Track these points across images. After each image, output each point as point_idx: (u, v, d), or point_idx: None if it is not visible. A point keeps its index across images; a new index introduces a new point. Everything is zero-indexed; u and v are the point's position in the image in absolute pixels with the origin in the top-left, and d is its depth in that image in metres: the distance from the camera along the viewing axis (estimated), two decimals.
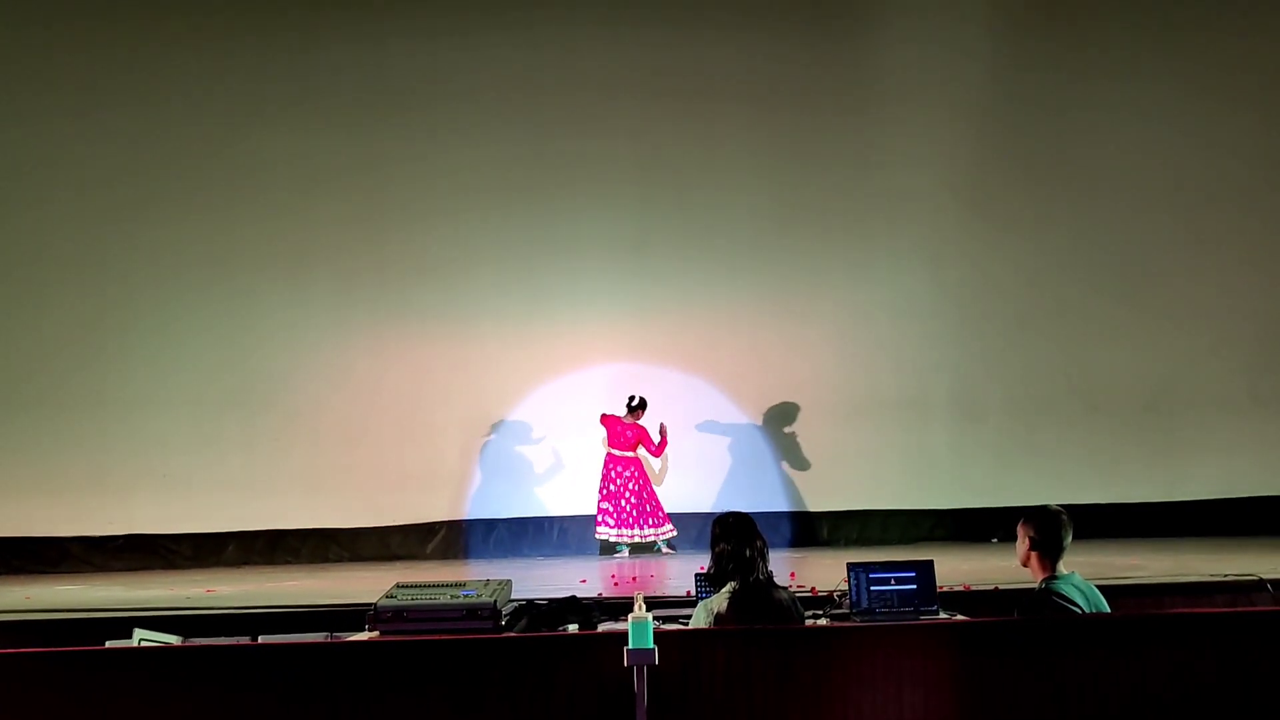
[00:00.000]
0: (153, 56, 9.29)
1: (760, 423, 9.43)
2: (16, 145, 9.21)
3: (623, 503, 8.75)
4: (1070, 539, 3.69)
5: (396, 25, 9.43)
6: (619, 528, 8.72)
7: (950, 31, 9.44)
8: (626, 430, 8.87)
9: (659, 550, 8.75)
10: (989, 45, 9.41)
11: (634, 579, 6.77)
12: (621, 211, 9.45)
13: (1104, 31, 9.47)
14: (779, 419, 9.42)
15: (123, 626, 4.46)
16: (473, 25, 9.44)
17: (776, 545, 7.03)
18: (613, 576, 6.95)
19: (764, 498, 9.19)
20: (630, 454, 8.89)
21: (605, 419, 8.92)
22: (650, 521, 8.76)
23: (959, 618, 4.01)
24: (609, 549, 8.82)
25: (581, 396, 9.14)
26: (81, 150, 9.24)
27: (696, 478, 9.14)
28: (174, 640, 4.23)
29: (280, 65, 9.37)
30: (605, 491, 8.81)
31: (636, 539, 8.73)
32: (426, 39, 9.41)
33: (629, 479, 8.82)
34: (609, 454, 8.88)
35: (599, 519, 8.79)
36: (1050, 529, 3.71)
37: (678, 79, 9.44)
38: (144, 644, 4.04)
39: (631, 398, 8.89)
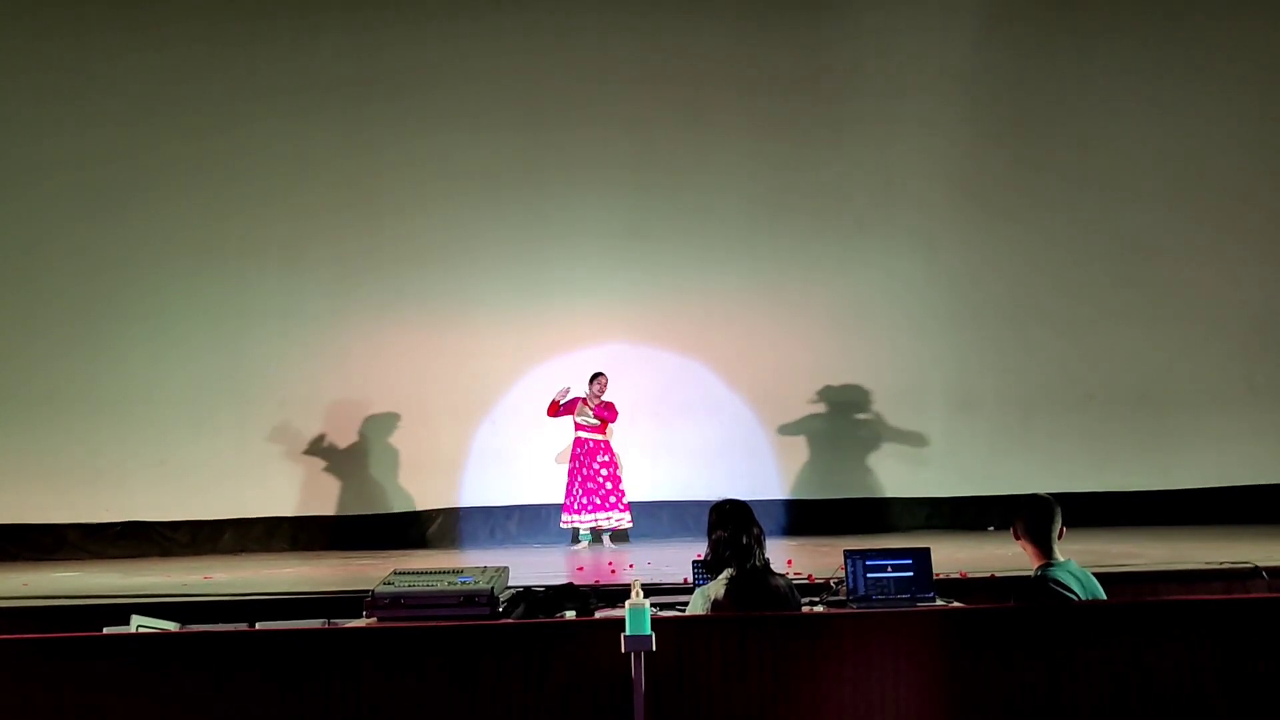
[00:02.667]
0: (145, 43, 9.27)
1: (755, 410, 9.42)
2: (7, 133, 9.17)
3: (596, 484, 8.47)
4: (1059, 524, 3.67)
5: (390, 13, 9.40)
6: (607, 512, 8.43)
7: (945, 19, 9.44)
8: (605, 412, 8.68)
9: (607, 539, 8.49)
10: (984, 33, 9.40)
11: (631, 566, 6.78)
12: (617, 198, 9.43)
13: (1099, 20, 9.46)
14: (774, 406, 9.40)
15: (120, 613, 4.45)
16: (466, 12, 9.42)
17: (773, 533, 6.97)
18: (610, 564, 6.96)
19: (760, 485, 9.18)
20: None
21: (609, 409, 8.66)
22: (612, 504, 8.47)
23: (955, 605, 4.03)
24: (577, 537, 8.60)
25: (577, 383, 9.12)
26: (73, 138, 9.20)
27: (692, 464, 9.13)
28: (171, 626, 4.23)
29: (274, 52, 9.35)
30: (604, 475, 8.53)
31: (603, 523, 8.45)
32: (420, 26, 9.39)
33: (612, 459, 8.63)
34: (605, 442, 8.65)
35: (607, 503, 8.48)
36: (1037, 516, 3.70)
37: (672, 66, 9.43)
38: (141, 630, 4.04)
39: (599, 375, 8.65)
